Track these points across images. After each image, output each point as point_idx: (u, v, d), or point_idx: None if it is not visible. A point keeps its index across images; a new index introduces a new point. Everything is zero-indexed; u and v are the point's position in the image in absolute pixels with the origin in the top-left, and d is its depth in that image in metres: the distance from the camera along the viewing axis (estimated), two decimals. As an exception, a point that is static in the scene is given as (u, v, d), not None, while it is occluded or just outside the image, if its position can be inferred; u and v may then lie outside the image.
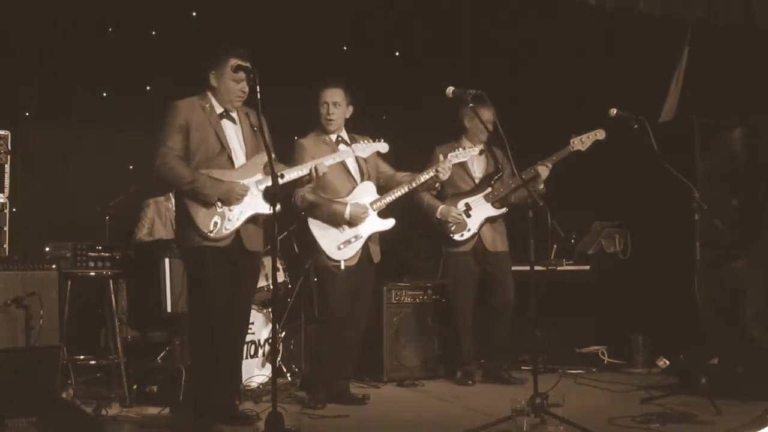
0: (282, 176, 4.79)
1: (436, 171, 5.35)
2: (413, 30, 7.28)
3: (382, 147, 5.28)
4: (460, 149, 5.58)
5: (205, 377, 4.67)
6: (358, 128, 5.54)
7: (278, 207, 4.69)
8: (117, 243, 5.72)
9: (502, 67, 7.29)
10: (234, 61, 4.68)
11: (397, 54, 7.77)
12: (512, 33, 7.24)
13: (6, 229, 5.41)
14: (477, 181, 6.19)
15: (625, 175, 6.96)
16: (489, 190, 6.12)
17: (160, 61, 6.66)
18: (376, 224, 5.38)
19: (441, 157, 5.49)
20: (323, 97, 5.39)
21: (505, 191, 6.08)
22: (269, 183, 4.70)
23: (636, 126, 5.19)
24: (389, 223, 5.42)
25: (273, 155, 4.61)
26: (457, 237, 6.08)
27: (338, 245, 5.27)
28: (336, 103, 5.37)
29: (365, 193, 5.39)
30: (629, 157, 6.38)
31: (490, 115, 5.65)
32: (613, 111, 5.25)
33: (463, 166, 6.15)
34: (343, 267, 5.25)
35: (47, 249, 5.50)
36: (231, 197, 4.66)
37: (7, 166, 5.45)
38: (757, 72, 6.69)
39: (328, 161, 5.03)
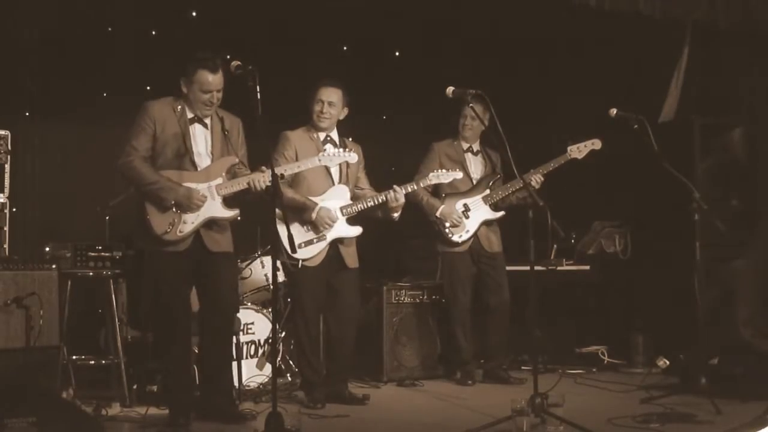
0: (282, 176, 4.81)
1: (386, 197, 5.32)
2: (413, 30, 7.28)
3: (351, 158, 5.21)
4: (442, 171, 5.58)
5: (179, 377, 4.74)
6: (358, 128, 5.53)
7: (237, 212, 4.80)
8: (117, 243, 5.71)
9: (501, 67, 7.29)
10: (204, 74, 4.70)
11: (397, 54, 7.77)
12: (512, 33, 7.23)
13: (6, 229, 5.41)
14: (475, 182, 6.19)
15: (625, 175, 6.97)
16: (487, 192, 6.12)
17: (160, 61, 6.65)
18: (342, 229, 5.35)
19: (426, 181, 5.54)
20: (319, 94, 5.37)
21: (504, 194, 6.08)
22: (228, 187, 4.76)
23: (636, 126, 5.19)
24: (356, 230, 5.38)
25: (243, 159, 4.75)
26: (455, 238, 6.08)
27: (299, 243, 5.23)
28: (331, 103, 5.36)
29: (338, 196, 5.38)
30: (629, 157, 6.38)
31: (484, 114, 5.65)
32: (613, 111, 5.26)
33: (461, 166, 6.15)
34: (300, 266, 5.24)
35: (47, 249, 5.50)
36: (188, 203, 4.69)
37: (7, 166, 5.46)
38: (757, 72, 6.69)
39: (294, 169, 5.03)
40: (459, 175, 5.71)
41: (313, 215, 5.25)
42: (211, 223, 4.79)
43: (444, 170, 5.62)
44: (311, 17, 6.89)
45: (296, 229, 5.24)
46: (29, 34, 6.37)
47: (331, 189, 5.37)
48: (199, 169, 4.79)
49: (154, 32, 6.91)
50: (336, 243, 5.34)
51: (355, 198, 5.42)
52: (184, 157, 4.77)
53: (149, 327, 5.67)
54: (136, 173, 4.68)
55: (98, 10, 6.48)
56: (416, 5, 6.92)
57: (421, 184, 5.60)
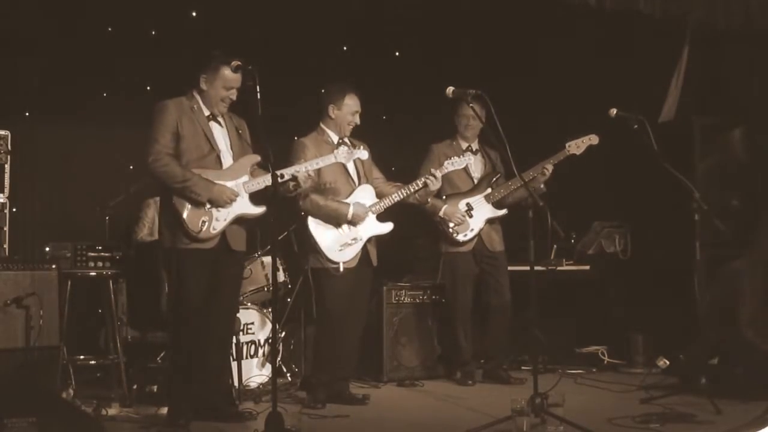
0: (282, 176, 4.81)
1: (426, 182, 5.36)
2: (413, 30, 7.28)
3: (362, 154, 5.29)
4: (455, 158, 5.59)
5: (185, 377, 4.71)
6: (358, 128, 5.54)
7: (264, 209, 4.79)
8: (117, 243, 5.72)
9: (501, 67, 7.29)
10: (227, 71, 4.72)
11: (397, 54, 7.77)
12: (512, 33, 7.24)
13: (6, 229, 5.42)
14: (476, 181, 6.19)
15: (625, 175, 6.97)
16: (489, 190, 6.12)
17: (160, 61, 6.66)
18: (375, 227, 5.39)
19: (435, 171, 5.50)
20: (354, 105, 5.38)
21: (505, 192, 6.08)
22: (256, 185, 4.78)
23: (636, 126, 5.18)
24: (388, 226, 5.42)
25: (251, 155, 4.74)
26: (460, 237, 6.07)
27: (338, 247, 5.27)
28: (359, 112, 5.42)
29: (364, 195, 5.40)
30: (629, 157, 6.38)
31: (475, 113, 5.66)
32: (613, 111, 5.25)
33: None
34: (342, 269, 5.26)
35: (47, 249, 5.51)
36: (221, 199, 4.70)
37: (7, 166, 5.47)
38: (757, 72, 6.69)
39: (312, 165, 5.03)
40: (471, 159, 5.79)
41: (349, 215, 5.28)
42: (237, 221, 4.81)
43: (456, 157, 5.61)
44: (311, 17, 6.89)
45: (332, 233, 5.27)
46: (29, 35, 6.37)
47: (357, 190, 5.39)
48: (224, 166, 4.81)
49: (154, 32, 6.91)
50: (365, 242, 5.38)
51: (380, 195, 5.44)
52: (209, 155, 4.78)
53: (149, 327, 5.68)
54: (169, 171, 4.65)
55: (98, 10, 6.48)
56: (416, 5, 6.92)
57: (440, 173, 5.55)
